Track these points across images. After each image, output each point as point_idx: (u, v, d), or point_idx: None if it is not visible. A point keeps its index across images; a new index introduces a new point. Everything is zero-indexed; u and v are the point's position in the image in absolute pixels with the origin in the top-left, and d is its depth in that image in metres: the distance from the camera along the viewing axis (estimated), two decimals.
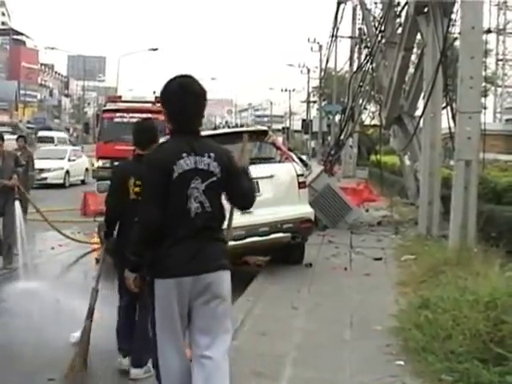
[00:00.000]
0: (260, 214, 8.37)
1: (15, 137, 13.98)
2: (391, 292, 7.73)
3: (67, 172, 24.93)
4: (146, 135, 5.30)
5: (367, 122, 31.07)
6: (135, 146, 5.33)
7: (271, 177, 8.93)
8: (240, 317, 6.61)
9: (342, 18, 22.99)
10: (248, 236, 8.39)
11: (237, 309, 6.74)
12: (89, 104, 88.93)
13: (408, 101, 15.03)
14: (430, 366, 4.96)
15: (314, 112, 53.39)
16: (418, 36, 13.15)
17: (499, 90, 47.40)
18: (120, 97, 21.54)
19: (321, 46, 47.69)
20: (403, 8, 13.75)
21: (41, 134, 43.03)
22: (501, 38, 47.25)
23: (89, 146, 33.38)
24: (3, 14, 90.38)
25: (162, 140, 4.65)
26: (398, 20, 15.28)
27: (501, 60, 47.09)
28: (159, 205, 3.63)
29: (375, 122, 28.79)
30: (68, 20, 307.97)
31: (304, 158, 17.76)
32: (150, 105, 18.18)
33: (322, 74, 43.28)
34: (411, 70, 16.74)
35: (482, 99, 17.32)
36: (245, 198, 3.96)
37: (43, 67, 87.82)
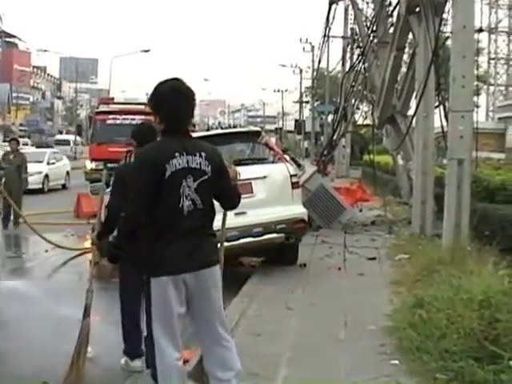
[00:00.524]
0: (253, 215, 8.40)
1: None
2: (385, 291, 7.73)
3: (46, 176, 23.30)
4: (148, 136, 5.30)
5: (360, 121, 31.16)
6: (137, 146, 5.34)
7: (264, 177, 8.92)
8: (235, 318, 6.59)
9: (334, 18, 22.91)
10: (242, 237, 8.37)
11: (231, 310, 6.75)
12: (81, 106, 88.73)
13: (400, 100, 15.05)
14: (425, 365, 4.96)
15: (306, 112, 53.32)
16: (410, 36, 13.17)
17: (491, 88, 47.60)
18: (112, 98, 21.56)
19: (313, 47, 47.68)
20: (395, 8, 13.75)
21: (58, 137, 47.97)
22: (492, 36, 47.58)
23: None
24: None
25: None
26: (389, 20, 15.31)
27: (493, 59, 47.35)
28: (146, 202, 3.70)
29: (368, 121, 28.85)
30: (60, 22, 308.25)
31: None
32: (142, 106, 18.04)
33: (315, 74, 43.24)
34: (403, 69, 16.79)
35: (475, 98, 17.36)
36: (231, 200, 4.15)
37: (35, 69, 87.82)
